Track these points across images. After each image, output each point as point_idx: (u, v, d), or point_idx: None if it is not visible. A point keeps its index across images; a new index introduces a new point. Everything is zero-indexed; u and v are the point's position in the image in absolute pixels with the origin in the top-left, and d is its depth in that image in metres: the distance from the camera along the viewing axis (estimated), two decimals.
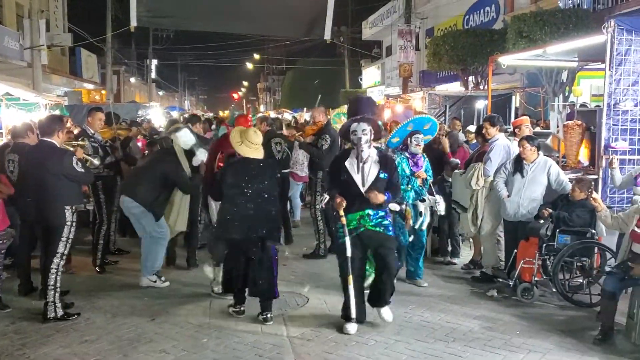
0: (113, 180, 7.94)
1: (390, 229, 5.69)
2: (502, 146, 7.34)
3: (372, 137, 5.70)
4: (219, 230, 6.12)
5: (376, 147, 5.89)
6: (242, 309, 6.02)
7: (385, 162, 5.65)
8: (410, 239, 7.01)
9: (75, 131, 10.03)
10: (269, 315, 5.86)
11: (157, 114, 22.31)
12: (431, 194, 7.16)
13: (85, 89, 27.47)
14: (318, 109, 9.24)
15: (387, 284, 5.71)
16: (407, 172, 7.01)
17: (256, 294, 5.93)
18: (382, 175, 5.57)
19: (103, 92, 29.21)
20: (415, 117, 7.64)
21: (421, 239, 7.22)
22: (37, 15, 20.07)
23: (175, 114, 30.29)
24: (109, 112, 8.65)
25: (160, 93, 60.04)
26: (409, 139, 7.09)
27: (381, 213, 5.62)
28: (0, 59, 18.76)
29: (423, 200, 7.03)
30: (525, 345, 5.36)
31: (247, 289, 5.99)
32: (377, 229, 5.59)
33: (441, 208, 7.12)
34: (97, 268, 7.67)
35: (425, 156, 7.28)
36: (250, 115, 6.66)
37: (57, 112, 15.76)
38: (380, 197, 5.49)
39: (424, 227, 7.13)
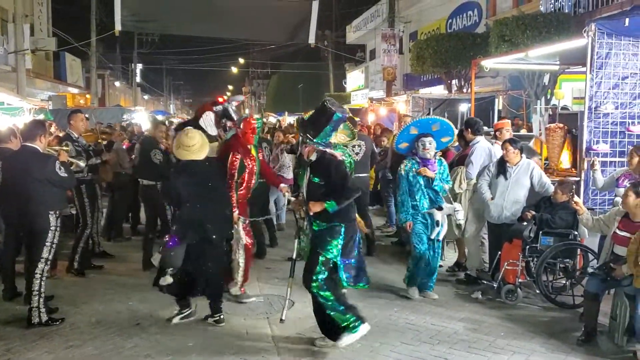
0: (95, 184, 7.92)
1: (324, 246, 5.12)
2: (483, 149, 7.42)
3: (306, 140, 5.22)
4: (177, 234, 5.85)
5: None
6: (190, 311, 5.97)
7: (317, 165, 5.15)
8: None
9: (61, 134, 9.99)
10: (221, 317, 5.90)
11: (142, 118, 22.25)
12: (449, 201, 6.92)
13: (69, 93, 27.33)
14: None
15: (317, 314, 5.31)
16: (421, 180, 6.65)
17: (207, 295, 5.92)
18: (314, 180, 5.17)
19: (88, 96, 29.11)
20: (419, 118, 7.42)
21: (437, 249, 6.84)
22: (21, 19, 19.89)
23: (160, 118, 30.18)
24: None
25: (146, 97, 59.79)
26: (416, 143, 6.72)
27: (322, 227, 5.16)
28: None
29: (440, 209, 6.63)
30: (510, 347, 5.42)
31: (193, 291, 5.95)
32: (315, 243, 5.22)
33: (460, 217, 6.80)
34: (72, 270, 7.62)
35: (443, 161, 6.88)
36: (253, 119, 6.54)
37: (41, 116, 15.67)
38: (314, 206, 5.10)
39: (441, 238, 6.75)
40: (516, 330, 5.81)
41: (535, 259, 6.56)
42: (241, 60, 53.61)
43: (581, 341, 5.46)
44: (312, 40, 12.51)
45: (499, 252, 6.90)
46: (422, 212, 6.67)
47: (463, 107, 13.82)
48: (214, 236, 5.76)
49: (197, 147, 5.72)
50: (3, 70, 19.98)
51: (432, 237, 6.66)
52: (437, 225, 6.61)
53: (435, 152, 6.79)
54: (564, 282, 6.64)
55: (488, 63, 10.25)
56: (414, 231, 6.73)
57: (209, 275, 5.83)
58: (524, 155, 7.06)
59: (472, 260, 7.52)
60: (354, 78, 32.22)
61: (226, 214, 5.98)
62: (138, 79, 47.96)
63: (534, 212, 6.64)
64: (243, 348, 5.36)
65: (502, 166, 7.02)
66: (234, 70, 57.15)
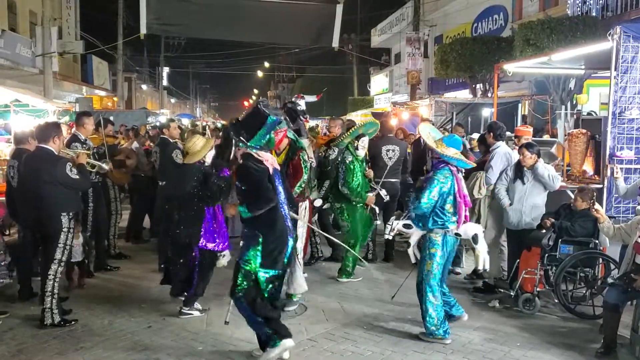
0: (103, 187, 7.96)
1: (242, 256, 4.90)
2: (503, 154, 7.26)
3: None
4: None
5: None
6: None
7: (240, 169, 4.94)
8: None
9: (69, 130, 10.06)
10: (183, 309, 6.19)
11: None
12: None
13: (97, 95, 27.67)
14: (335, 120, 9.23)
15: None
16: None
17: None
18: (237, 184, 4.99)
19: (115, 98, 29.46)
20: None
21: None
22: (49, 22, 20.19)
23: (186, 122, 30.45)
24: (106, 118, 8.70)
25: (172, 100, 60.30)
26: None
27: (245, 234, 4.97)
28: (12, 65, 18.90)
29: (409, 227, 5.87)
30: (525, 358, 5.29)
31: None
32: None
33: (412, 242, 5.90)
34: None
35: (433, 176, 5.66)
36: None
37: (66, 118, 15.89)
38: (229, 209, 5.51)
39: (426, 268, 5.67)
40: (533, 341, 5.66)
41: (554, 268, 6.39)
42: (267, 64, 53.83)
43: (600, 353, 5.29)
44: (335, 43, 12.49)
45: (518, 260, 6.75)
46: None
47: (486, 112, 13.63)
48: (184, 235, 6.11)
49: (193, 149, 6.12)
50: (31, 72, 20.27)
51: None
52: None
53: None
54: (585, 291, 6.45)
55: (510, 67, 10.07)
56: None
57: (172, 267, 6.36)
58: (540, 159, 6.90)
59: (490, 268, 7.35)
60: (378, 82, 32.09)
61: (191, 216, 6.11)
62: (165, 82, 48.42)
63: (553, 220, 6.47)
64: (252, 353, 5.29)
65: (519, 171, 6.87)
66: (260, 74, 57.40)
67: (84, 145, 7.39)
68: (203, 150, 6.20)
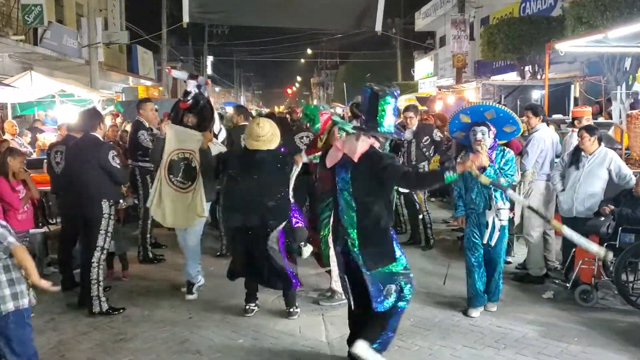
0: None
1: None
2: (541, 138, 6.79)
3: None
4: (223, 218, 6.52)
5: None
6: (250, 307, 5.87)
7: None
8: None
9: (128, 127, 10.14)
10: (292, 310, 5.78)
11: None
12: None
13: (143, 85, 28.00)
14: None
15: None
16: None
17: (269, 285, 5.84)
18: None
19: (161, 88, 29.78)
20: (468, 105, 6.53)
21: (494, 256, 5.85)
22: (95, 14, 20.46)
23: (230, 110, 30.50)
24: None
25: (217, 89, 60.70)
26: (470, 133, 5.74)
27: None
28: (59, 56, 19.25)
29: (489, 208, 5.73)
30: (584, 355, 4.94)
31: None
32: None
33: (503, 217, 5.71)
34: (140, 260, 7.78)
35: (507, 152, 5.73)
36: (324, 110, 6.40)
37: (111, 107, 16.07)
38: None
39: (493, 242, 5.74)
40: (591, 335, 5.30)
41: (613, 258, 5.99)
42: (309, 51, 53.62)
43: None
44: (378, 27, 12.17)
45: (574, 249, 6.37)
46: (478, 213, 5.80)
47: (536, 94, 13.12)
48: (259, 224, 5.52)
49: (264, 137, 5.51)
50: (77, 63, 20.62)
51: (484, 242, 5.78)
52: (487, 227, 5.72)
53: (495, 143, 5.79)
54: None
55: (563, 46, 9.56)
56: (465, 236, 6.02)
57: (262, 264, 5.64)
58: (602, 144, 6.49)
59: (531, 257, 6.95)
60: (423, 66, 31.46)
61: (271, 205, 5.54)
62: (209, 71, 48.67)
63: (612, 207, 6.07)
64: (295, 347, 5.13)
65: (575, 155, 6.48)
66: (303, 61, 57.27)
67: (149, 132, 7.45)
68: (275, 138, 5.61)
